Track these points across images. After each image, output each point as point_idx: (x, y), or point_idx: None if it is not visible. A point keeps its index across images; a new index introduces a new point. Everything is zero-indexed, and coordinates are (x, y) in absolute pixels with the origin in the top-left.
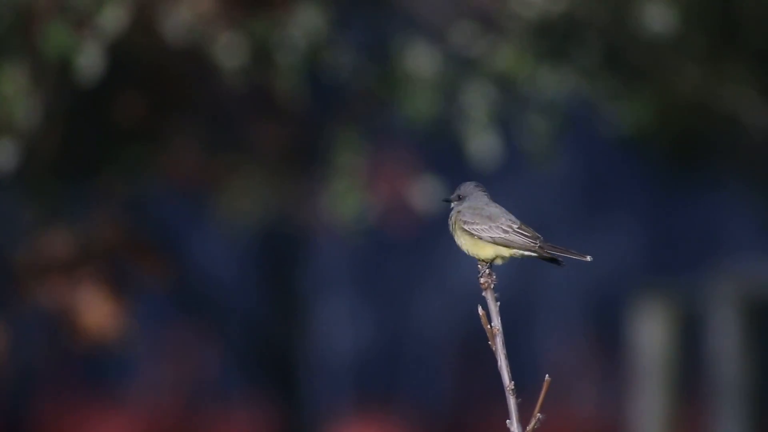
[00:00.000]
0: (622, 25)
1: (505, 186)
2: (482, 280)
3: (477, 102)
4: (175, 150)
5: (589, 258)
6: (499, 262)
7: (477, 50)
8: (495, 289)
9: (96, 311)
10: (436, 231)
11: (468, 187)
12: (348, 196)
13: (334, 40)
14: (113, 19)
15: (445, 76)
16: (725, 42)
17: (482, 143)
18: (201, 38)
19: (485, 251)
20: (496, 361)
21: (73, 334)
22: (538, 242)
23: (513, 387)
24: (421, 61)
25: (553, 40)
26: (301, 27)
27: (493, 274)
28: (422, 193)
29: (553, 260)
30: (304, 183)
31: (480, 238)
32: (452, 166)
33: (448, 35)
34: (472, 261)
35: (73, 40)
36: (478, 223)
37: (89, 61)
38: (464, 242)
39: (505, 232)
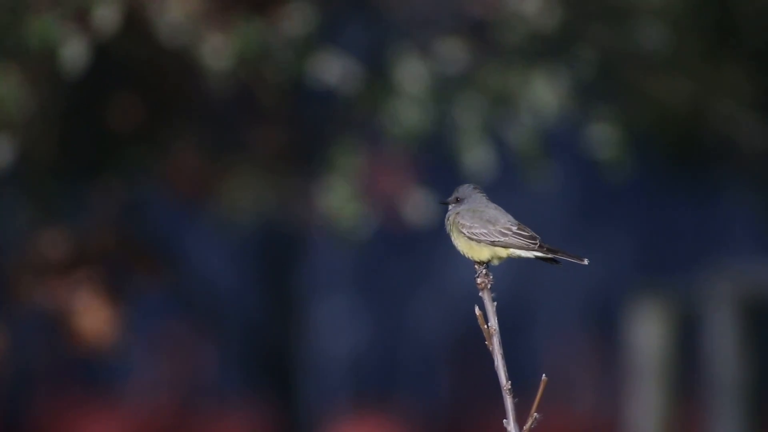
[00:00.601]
0: (616, 40)
1: (504, 184)
2: (479, 281)
3: (469, 115)
4: (172, 152)
5: (585, 261)
6: (495, 262)
7: (469, 63)
8: (492, 290)
9: (91, 315)
10: (434, 232)
11: (466, 189)
12: (347, 203)
13: (325, 45)
14: (105, 17)
15: (436, 88)
16: (718, 54)
17: (476, 156)
18: (190, 39)
19: (482, 253)
20: (493, 361)
21: (68, 337)
22: (536, 243)
23: (510, 387)
24: (412, 73)
25: (547, 52)
26: (292, 31)
27: (490, 274)
28: (415, 206)
29: (551, 260)
30: (301, 183)
31: (478, 241)
32: (446, 177)
33: (440, 48)
34: (469, 261)
35: (58, 31)
36: (476, 227)
37: (74, 52)
38: (461, 244)
39: (504, 235)
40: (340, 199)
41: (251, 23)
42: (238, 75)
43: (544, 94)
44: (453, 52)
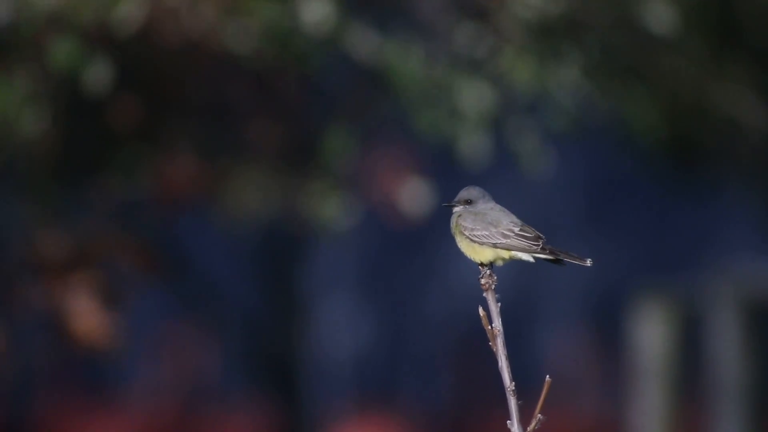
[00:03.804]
0: (622, 26)
1: (508, 185)
2: (483, 281)
3: (471, 102)
4: (173, 152)
5: (589, 262)
6: (499, 263)
7: (477, 51)
8: (496, 290)
9: (87, 316)
10: (438, 231)
11: (470, 192)
12: (330, 195)
13: (346, 22)
14: (127, 16)
15: (441, 75)
16: (724, 44)
17: (474, 143)
18: (213, 25)
19: (485, 254)
20: (496, 362)
21: (67, 337)
22: (539, 245)
23: (514, 388)
24: (418, 61)
25: (552, 40)
26: (312, 13)
27: (494, 275)
28: (411, 196)
29: (555, 260)
30: (304, 181)
31: (480, 243)
32: (446, 165)
33: (448, 36)
34: (473, 262)
35: (83, 54)
36: (478, 229)
37: (98, 74)
38: (464, 246)
39: (506, 237)
40: (324, 188)
41: (272, 8)
42: (263, 56)
43: (552, 81)
44: (462, 38)
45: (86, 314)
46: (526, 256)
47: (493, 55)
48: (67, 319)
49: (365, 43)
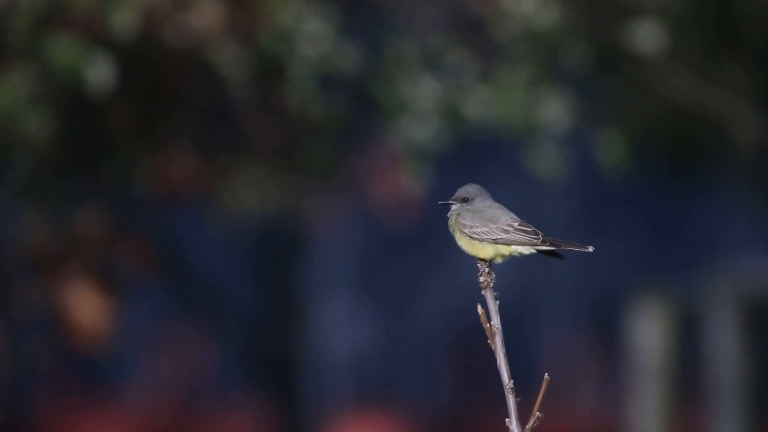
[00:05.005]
0: (612, 40)
1: (509, 185)
2: (481, 279)
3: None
4: (171, 151)
5: (591, 249)
6: (499, 260)
7: (473, 73)
8: (494, 288)
9: (84, 307)
10: (436, 230)
11: (469, 190)
12: (327, 194)
13: (341, 46)
14: (124, 23)
15: (443, 101)
16: (718, 51)
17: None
18: (207, 50)
19: (485, 251)
20: (495, 360)
21: (65, 331)
22: (539, 238)
23: (512, 386)
24: (421, 90)
25: (543, 52)
26: (308, 37)
27: (493, 272)
28: (409, 175)
29: (555, 254)
30: (301, 180)
31: (480, 240)
32: (445, 151)
33: (447, 59)
34: (472, 260)
35: (84, 54)
36: (478, 226)
37: (99, 74)
38: (464, 243)
39: (505, 232)
40: (319, 189)
41: (266, 33)
42: (259, 84)
43: (552, 109)
44: (460, 62)
45: (83, 305)
46: (527, 250)
47: (485, 75)
48: (65, 312)
49: (357, 65)
